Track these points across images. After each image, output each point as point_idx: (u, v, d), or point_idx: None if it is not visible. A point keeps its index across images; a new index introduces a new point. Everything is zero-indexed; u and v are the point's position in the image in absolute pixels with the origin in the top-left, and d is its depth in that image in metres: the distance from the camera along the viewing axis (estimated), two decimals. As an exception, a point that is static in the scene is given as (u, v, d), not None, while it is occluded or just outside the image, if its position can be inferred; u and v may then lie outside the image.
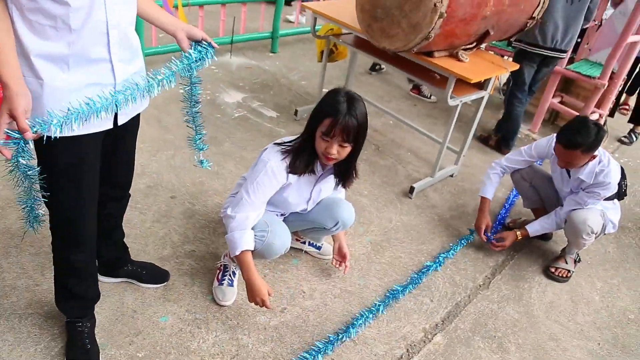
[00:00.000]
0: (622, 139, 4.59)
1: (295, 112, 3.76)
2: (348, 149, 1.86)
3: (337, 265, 2.38)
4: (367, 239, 2.74)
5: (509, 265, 2.79)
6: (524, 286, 2.66)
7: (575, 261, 2.81)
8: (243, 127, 3.57)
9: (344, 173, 2.06)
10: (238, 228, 1.91)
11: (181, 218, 2.61)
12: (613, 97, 4.22)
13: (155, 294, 2.14)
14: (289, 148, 1.95)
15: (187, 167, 3.02)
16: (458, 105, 2.91)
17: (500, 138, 3.98)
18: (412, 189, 3.13)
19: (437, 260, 2.65)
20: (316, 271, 2.46)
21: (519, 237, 2.76)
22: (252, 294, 1.94)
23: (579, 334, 2.44)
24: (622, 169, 2.62)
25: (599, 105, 4.21)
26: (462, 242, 2.84)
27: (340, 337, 2.10)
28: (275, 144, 1.99)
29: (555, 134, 2.58)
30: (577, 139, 2.34)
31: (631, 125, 4.67)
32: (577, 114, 4.07)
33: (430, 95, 4.58)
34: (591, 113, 4.10)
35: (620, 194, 2.64)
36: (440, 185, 3.36)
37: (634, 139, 4.61)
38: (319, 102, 1.88)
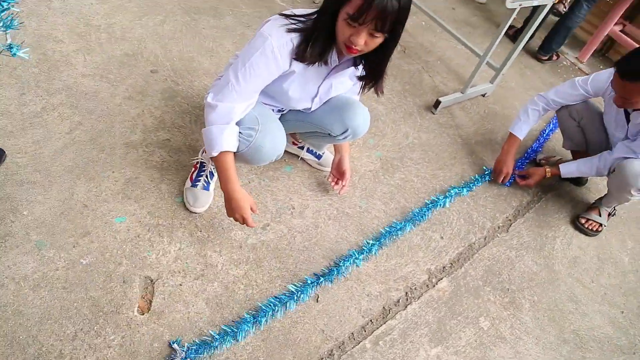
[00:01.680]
0: None
1: (313, -6, 3.15)
2: (380, 39, 1.35)
3: (333, 184, 1.98)
4: (376, 154, 2.32)
5: (534, 209, 2.40)
6: (547, 234, 2.29)
7: (609, 215, 2.43)
8: (251, 1, 2.98)
9: (374, 72, 1.56)
10: (219, 121, 1.46)
11: (159, 98, 2.15)
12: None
13: (113, 187, 1.74)
14: (299, 26, 1.44)
15: (176, 38, 2.50)
16: (514, 10, 2.34)
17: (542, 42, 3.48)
18: (437, 103, 2.64)
19: (449, 194, 2.24)
20: (312, 184, 2.06)
21: (548, 175, 2.36)
22: (231, 209, 1.54)
23: (602, 298, 2.12)
24: None
25: None
26: (484, 177, 2.42)
27: (328, 273, 1.75)
28: (281, 15, 1.47)
29: None
30: (638, 66, 1.82)
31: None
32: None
33: None
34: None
35: None
36: (470, 104, 2.87)
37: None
38: None
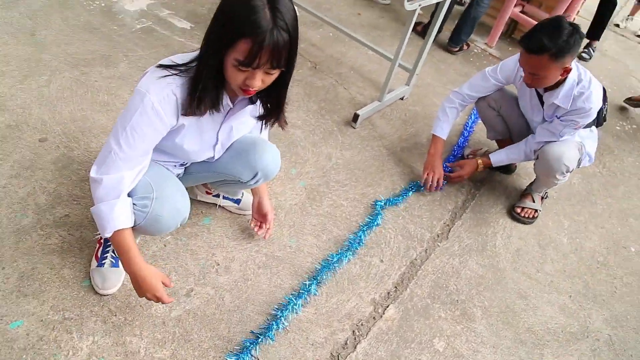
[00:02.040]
0: (582, 54, 4.17)
1: (211, 22, 2.99)
2: (276, 73, 1.24)
3: (257, 229, 1.85)
4: (300, 184, 2.20)
5: (470, 207, 2.36)
6: (487, 232, 2.26)
7: (542, 198, 2.43)
8: (146, 42, 2.80)
9: (273, 107, 1.43)
10: (107, 197, 1.29)
11: (52, 169, 1.94)
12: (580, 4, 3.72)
13: (4, 287, 1.53)
14: (181, 76, 1.30)
15: (66, 97, 2.28)
16: (416, 11, 2.29)
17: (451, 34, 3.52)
18: (356, 117, 2.56)
19: (380, 211, 2.16)
20: (235, 233, 1.92)
21: (480, 167, 2.34)
22: (141, 290, 1.37)
23: (549, 287, 2.10)
24: (604, 90, 2.16)
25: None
26: (416, 186, 2.35)
27: (266, 330, 1.61)
28: (159, 66, 1.32)
29: None
30: (543, 39, 1.79)
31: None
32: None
33: None
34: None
35: (599, 120, 2.21)
36: (389, 110, 2.81)
37: (592, 54, 4.19)
38: (223, 3, 1.19)
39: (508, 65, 2.19)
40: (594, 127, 2.26)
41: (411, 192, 2.30)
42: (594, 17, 4.04)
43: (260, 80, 1.21)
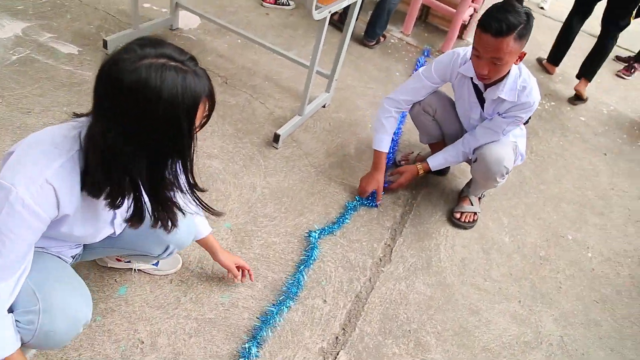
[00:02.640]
0: None
1: (105, 44, 2.64)
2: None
3: (241, 280, 1.75)
4: (225, 226, 1.98)
5: (409, 219, 2.24)
6: (430, 246, 2.15)
7: (480, 199, 2.36)
8: (26, 75, 2.40)
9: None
10: None
11: None
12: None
13: None
14: (68, 155, 1.02)
15: None
16: (326, 18, 2.10)
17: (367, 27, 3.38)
18: (276, 137, 2.35)
19: (310, 246, 1.98)
20: (158, 298, 1.68)
21: (421, 173, 2.25)
22: None
23: (499, 295, 2.03)
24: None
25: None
26: (349, 209, 2.19)
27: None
28: (35, 139, 1.03)
29: (457, 48, 1.96)
30: (509, 17, 1.67)
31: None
32: (452, 9, 3.48)
33: (288, 1, 3.65)
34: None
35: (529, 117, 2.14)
36: (312, 122, 2.62)
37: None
38: (130, 85, 0.91)
39: (442, 62, 2.06)
40: (523, 125, 2.19)
41: (347, 216, 2.14)
42: None
43: None
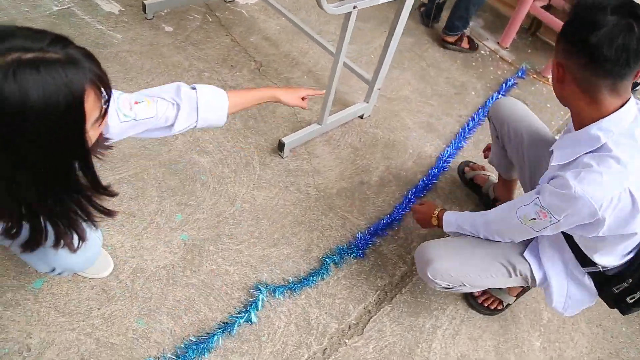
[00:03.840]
0: None
1: (144, 8, 2.44)
2: None
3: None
4: (181, 237, 1.68)
5: (410, 284, 1.76)
6: (424, 326, 1.67)
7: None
8: (57, 29, 2.27)
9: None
10: None
11: None
12: None
13: None
14: None
15: None
16: (352, 13, 1.66)
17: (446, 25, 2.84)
18: (281, 146, 1.98)
19: (277, 287, 1.60)
20: (70, 304, 1.45)
21: (434, 222, 1.59)
22: None
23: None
24: None
25: None
26: (338, 254, 1.77)
27: None
28: None
29: None
30: None
31: None
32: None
33: None
34: None
35: None
36: (339, 134, 2.20)
37: None
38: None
39: None
40: None
41: (322, 273, 1.70)
42: None
43: None
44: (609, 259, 1.28)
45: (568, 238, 1.34)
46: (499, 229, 1.39)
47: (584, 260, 1.33)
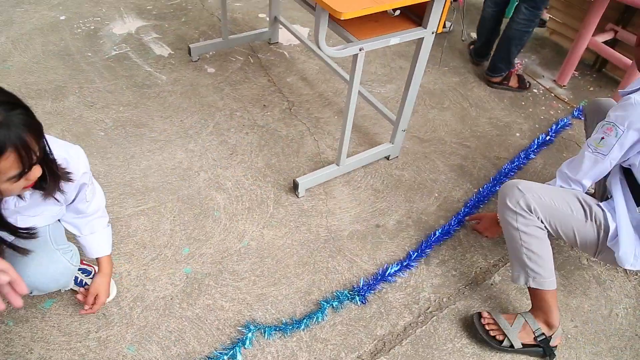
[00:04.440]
0: None
1: (189, 51, 2.63)
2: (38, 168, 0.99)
3: (82, 299, 1.43)
4: (185, 270, 1.73)
5: (413, 335, 1.65)
6: (421, 382, 1.55)
7: (546, 336, 1.61)
8: (112, 71, 2.54)
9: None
10: None
11: None
12: None
13: None
14: None
15: None
16: (359, 55, 1.66)
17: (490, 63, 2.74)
18: (295, 185, 2.00)
19: (237, 345, 1.58)
20: (72, 325, 1.56)
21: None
22: None
23: None
24: None
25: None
26: (339, 299, 1.72)
27: None
28: None
29: None
30: None
31: None
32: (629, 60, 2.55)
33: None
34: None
35: None
36: (361, 175, 2.17)
37: None
38: None
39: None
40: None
41: (318, 316, 1.66)
42: None
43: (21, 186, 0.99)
44: None
45: (629, 177, 1.48)
46: (572, 167, 1.55)
47: None
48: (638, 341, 1.72)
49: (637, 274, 1.94)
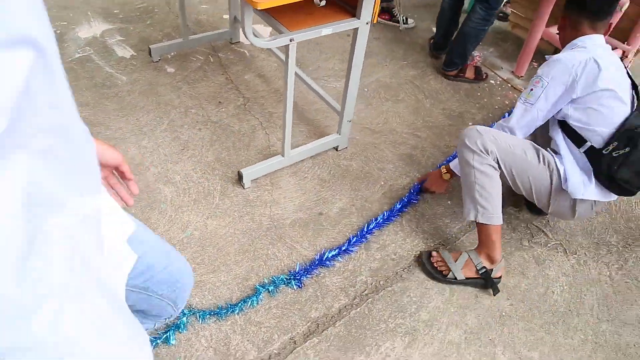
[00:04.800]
0: None
1: (149, 51, 2.70)
2: None
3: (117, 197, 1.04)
4: (127, 261, 1.78)
5: (347, 317, 1.69)
6: (351, 361, 1.59)
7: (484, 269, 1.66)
8: (73, 73, 2.61)
9: None
10: None
11: None
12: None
13: None
14: None
15: None
16: (290, 46, 1.71)
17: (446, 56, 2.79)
18: (240, 176, 2.05)
19: (171, 329, 1.63)
20: None
21: (445, 177, 2.01)
22: None
23: None
24: None
25: (625, 39, 2.67)
26: (275, 283, 1.77)
27: None
28: None
29: None
30: None
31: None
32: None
33: (408, 19, 3.26)
34: (613, 49, 2.56)
35: None
36: (309, 166, 2.22)
37: None
38: None
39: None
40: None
41: (253, 300, 1.70)
42: None
43: None
44: (599, 132, 1.62)
45: (565, 127, 1.70)
46: (506, 118, 1.81)
47: (579, 142, 1.66)
48: (570, 315, 1.75)
49: (576, 254, 1.97)
